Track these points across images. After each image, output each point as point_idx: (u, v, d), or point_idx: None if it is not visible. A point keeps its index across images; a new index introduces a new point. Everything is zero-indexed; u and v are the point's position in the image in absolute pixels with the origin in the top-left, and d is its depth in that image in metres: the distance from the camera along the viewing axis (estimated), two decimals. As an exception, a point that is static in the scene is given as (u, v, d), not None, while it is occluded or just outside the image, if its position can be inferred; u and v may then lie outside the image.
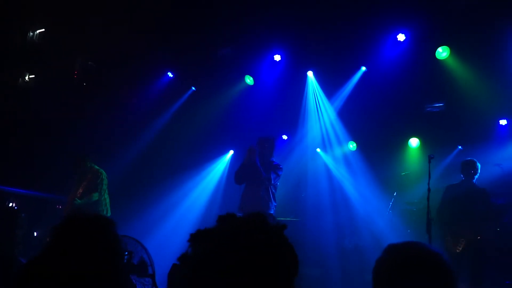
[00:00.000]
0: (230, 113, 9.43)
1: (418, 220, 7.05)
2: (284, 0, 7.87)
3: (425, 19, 7.66)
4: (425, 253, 1.54)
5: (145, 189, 9.04)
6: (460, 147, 8.31)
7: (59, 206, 8.03)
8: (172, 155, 9.53)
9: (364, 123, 8.84)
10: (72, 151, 7.93)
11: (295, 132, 9.44)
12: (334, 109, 9.17)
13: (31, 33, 8.98)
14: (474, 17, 7.20)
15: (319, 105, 9.27)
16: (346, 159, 9.25)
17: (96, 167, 6.97)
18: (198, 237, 1.31)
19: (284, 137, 9.69)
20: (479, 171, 6.20)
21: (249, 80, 9.39)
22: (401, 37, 8.05)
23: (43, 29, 9.07)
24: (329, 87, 9.09)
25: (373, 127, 8.69)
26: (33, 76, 9.34)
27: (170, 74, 9.65)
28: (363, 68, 8.70)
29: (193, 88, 9.82)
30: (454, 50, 7.91)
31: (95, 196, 6.71)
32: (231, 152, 9.76)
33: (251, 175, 6.22)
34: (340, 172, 9.14)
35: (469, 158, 6.33)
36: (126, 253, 4.42)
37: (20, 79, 9.20)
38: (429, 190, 5.56)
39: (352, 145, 9.25)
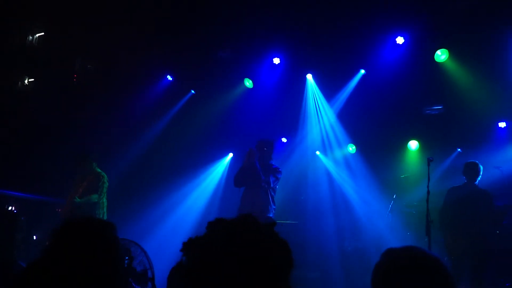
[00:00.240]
0: (229, 116, 9.44)
1: (418, 222, 7.05)
2: (283, 3, 7.89)
3: (423, 22, 7.68)
4: (423, 258, 1.54)
5: (144, 192, 9.02)
6: (459, 149, 8.33)
7: (58, 210, 8.00)
8: (172, 158, 9.52)
9: (363, 126, 8.85)
10: (71, 154, 7.94)
11: (294, 134, 9.44)
12: (333, 112, 9.18)
13: (31, 37, 8.99)
14: (473, 19, 7.21)
15: (319, 108, 9.28)
16: (346, 162, 9.26)
17: (98, 169, 6.96)
18: (191, 246, 1.32)
19: (284, 140, 9.70)
20: (481, 173, 6.20)
21: (248, 83, 9.40)
22: (400, 40, 8.07)
23: (42, 33, 9.08)
24: (328, 90, 9.11)
25: (372, 129, 8.70)
26: (32, 79, 9.34)
27: (169, 77, 9.66)
28: (362, 71, 8.71)
29: (193, 91, 9.83)
30: (452, 52, 7.93)
31: (95, 198, 6.69)
32: (231, 155, 9.76)
33: (250, 178, 6.22)
34: (339, 175, 9.14)
35: (471, 160, 6.33)
36: (127, 257, 4.42)
37: (20, 82, 9.21)
38: (428, 192, 5.55)
39: (352, 148, 9.25)
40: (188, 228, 8.61)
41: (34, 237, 7.94)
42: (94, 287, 1.83)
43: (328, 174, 9.21)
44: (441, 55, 7.99)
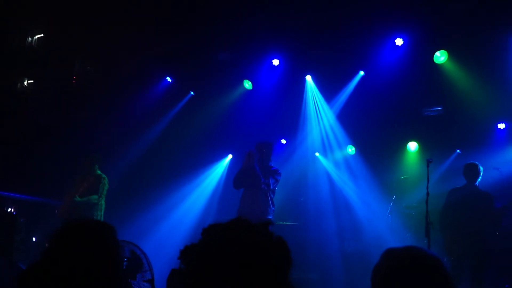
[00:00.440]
0: (228, 117, 9.43)
1: (417, 224, 7.05)
2: (282, 5, 7.89)
3: (423, 23, 7.68)
4: (423, 258, 1.54)
5: (143, 192, 9.02)
6: (458, 151, 8.33)
7: (57, 211, 8.01)
8: (171, 159, 9.52)
9: (362, 127, 8.85)
10: (72, 154, 7.94)
11: (294, 136, 9.44)
12: (332, 113, 9.19)
13: (30, 39, 8.99)
14: (472, 21, 7.22)
15: (318, 109, 9.29)
16: (345, 163, 9.26)
17: (99, 171, 6.96)
18: (187, 253, 1.33)
19: (283, 141, 9.69)
20: (481, 174, 6.19)
21: (247, 84, 9.40)
22: (399, 41, 8.07)
23: (42, 35, 9.09)
24: (328, 92, 9.11)
25: (372, 131, 8.70)
26: (32, 81, 9.34)
27: (168, 79, 9.66)
28: (361, 73, 8.71)
29: (192, 92, 9.84)
30: (452, 54, 7.93)
31: (94, 199, 6.69)
32: (230, 156, 9.76)
33: (249, 179, 6.21)
34: (339, 176, 9.15)
35: (471, 161, 6.33)
36: (126, 259, 4.42)
37: (19, 84, 9.21)
38: (427, 194, 5.56)
39: (351, 149, 9.26)
40: (187, 229, 8.60)
41: (33, 239, 7.93)
42: (93, 289, 1.83)
43: (328, 175, 9.22)
44: (440, 56, 7.99)
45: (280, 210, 7.92)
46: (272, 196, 6.35)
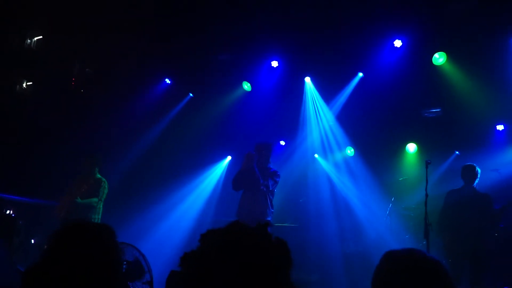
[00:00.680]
0: (227, 119, 9.44)
1: (416, 225, 7.05)
2: (281, 6, 7.90)
3: (421, 25, 7.69)
4: (423, 260, 1.55)
5: (142, 194, 9.02)
6: (457, 152, 8.34)
7: (55, 211, 8.00)
8: (170, 161, 9.53)
9: (361, 129, 8.87)
10: (69, 158, 7.93)
11: (293, 137, 9.45)
12: (332, 115, 9.20)
13: (29, 40, 8.98)
14: (471, 23, 7.23)
15: (317, 111, 9.30)
16: (344, 164, 9.27)
17: (99, 175, 6.95)
18: (187, 259, 1.34)
19: (282, 142, 9.70)
20: (479, 175, 6.20)
21: (246, 86, 9.41)
22: (397, 43, 8.09)
23: (41, 36, 9.08)
24: (327, 93, 9.12)
25: (371, 132, 8.71)
26: (31, 83, 9.34)
27: (167, 80, 9.67)
28: (360, 74, 8.73)
29: (191, 94, 9.84)
30: (450, 55, 7.95)
31: (94, 202, 6.69)
32: (229, 158, 9.76)
33: (248, 181, 6.21)
34: (338, 177, 9.15)
35: (468, 163, 6.34)
36: (125, 262, 4.41)
37: (18, 86, 9.20)
38: (426, 195, 5.56)
39: (350, 151, 9.26)
40: (186, 230, 8.61)
41: (32, 241, 7.92)
42: (93, 291, 1.83)
43: (327, 176, 9.22)
44: (439, 58, 8.01)
45: (280, 212, 7.92)
46: (271, 197, 6.34)
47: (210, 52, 8.89)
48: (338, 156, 9.37)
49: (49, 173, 8.46)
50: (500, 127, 8.17)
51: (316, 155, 9.44)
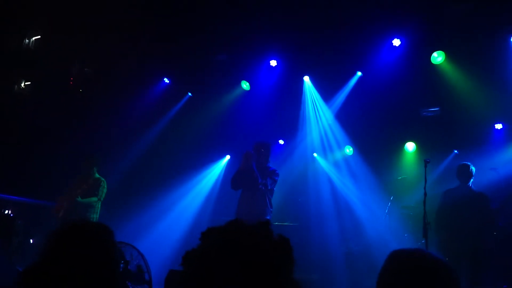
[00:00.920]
0: (226, 118, 9.44)
1: (415, 224, 7.05)
2: (280, 6, 7.89)
3: (420, 24, 7.69)
4: (428, 261, 1.54)
5: (141, 193, 9.02)
6: (456, 151, 8.34)
7: (54, 210, 8.00)
8: (169, 160, 9.53)
9: (360, 128, 8.87)
10: (68, 158, 7.93)
11: (292, 137, 9.45)
12: (331, 114, 9.20)
13: (27, 40, 8.96)
14: (469, 22, 7.23)
15: (317, 110, 9.30)
16: (343, 163, 9.27)
17: (98, 175, 6.97)
18: (188, 258, 1.34)
19: (281, 142, 9.70)
20: (474, 174, 6.21)
21: (245, 85, 9.40)
22: (396, 42, 8.09)
23: (39, 36, 9.06)
24: (326, 92, 9.12)
25: (370, 131, 8.72)
26: (29, 83, 9.32)
27: (166, 80, 9.66)
28: (359, 73, 8.73)
29: (190, 93, 9.84)
30: (449, 55, 7.95)
31: (94, 201, 6.73)
32: (228, 157, 9.76)
33: (247, 180, 6.21)
34: (337, 176, 9.16)
35: (463, 162, 6.35)
36: (122, 261, 4.41)
37: (16, 86, 9.18)
38: (425, 194, 5.57)
39: (349, 150, 9.27)
40: (184, 229, 8.62)
41: (31, 241, 7.91)
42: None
43: (326, 175, 9.23)
44: (437, 57, 8.02)
45: (279, 211, 7.93)
46: (270, 196, 6.35)
47: (209, 51, 8.89)
48: (337, 155, 9.38)
49: (48, 173, 8.46)
50: (498, 126, 8.17)
51: (315, 154, 9.44)
